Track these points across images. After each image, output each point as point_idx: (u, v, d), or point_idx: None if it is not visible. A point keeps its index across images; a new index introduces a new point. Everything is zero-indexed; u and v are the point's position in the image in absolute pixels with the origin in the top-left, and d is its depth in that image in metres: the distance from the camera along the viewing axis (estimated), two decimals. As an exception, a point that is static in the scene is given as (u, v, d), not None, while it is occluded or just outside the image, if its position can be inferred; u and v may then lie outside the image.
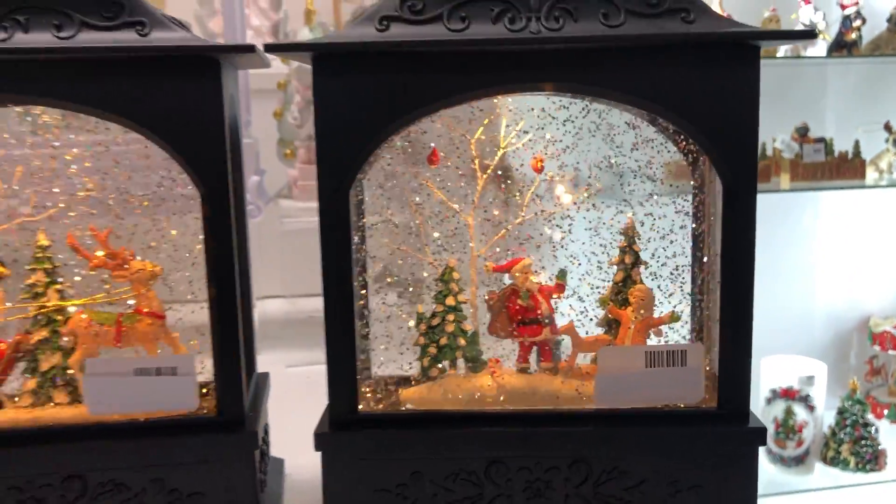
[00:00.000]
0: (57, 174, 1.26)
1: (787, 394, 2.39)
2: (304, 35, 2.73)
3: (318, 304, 1.17)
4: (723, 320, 1.18)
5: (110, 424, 1.20)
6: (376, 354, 1.31)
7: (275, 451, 1.48)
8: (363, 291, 1.26)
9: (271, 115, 2.82)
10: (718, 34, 1.09)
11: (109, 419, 1.20)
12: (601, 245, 1.29)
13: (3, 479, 1.16)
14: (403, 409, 1.24)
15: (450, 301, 1.27)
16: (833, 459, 2.37)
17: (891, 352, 2.59)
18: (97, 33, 1.10)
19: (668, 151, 1.26)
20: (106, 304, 1.26)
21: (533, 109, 1.25)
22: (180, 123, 1.13)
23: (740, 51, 1.10)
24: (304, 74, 2.77)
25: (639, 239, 1.29)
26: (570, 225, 1.28)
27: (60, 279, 1.26)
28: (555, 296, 1.28)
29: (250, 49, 1.13)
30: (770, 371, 2.42)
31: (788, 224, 2.68)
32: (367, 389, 1.27)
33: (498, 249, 1.29)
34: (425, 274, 1.30)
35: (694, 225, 1.28)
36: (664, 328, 1.26)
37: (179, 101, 1.13)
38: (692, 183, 1.28)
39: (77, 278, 1.26)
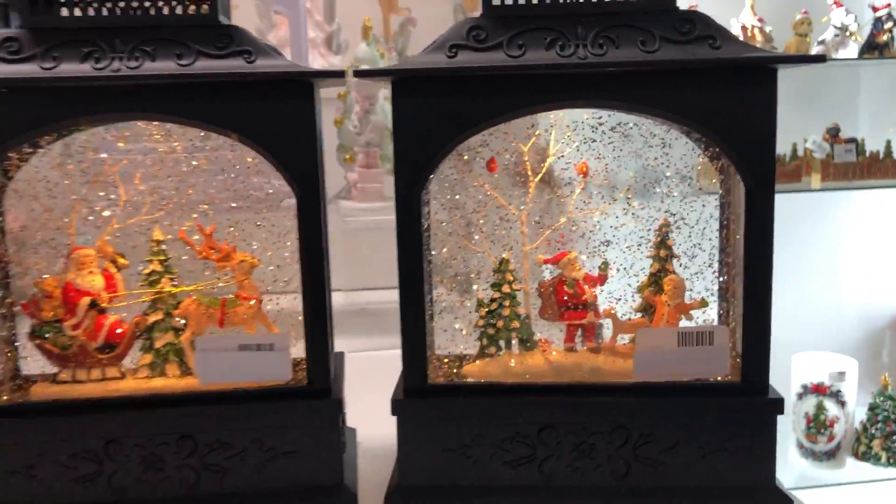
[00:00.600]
0: (172, 179, 1.41)
1: (819, 389, 2.40)
2: (363, 49, 2.84)
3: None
4: (745, 306, 1.29)
5: (217, 393, 1.33)
6: (438, 335, 1.44)
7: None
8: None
9: (332, 123, 2.88)
10: (741, 59, 1.21)
11: (216, 388, 1.33)
12: (640, 239, 1.41)
13: (127, 438, 1.31)
14: (465, 381, 1.37)
15: (506, 289, 1.40)
16: (864, 454, 2.39)
17: (924, 350, 2.54)
18: (211, 61, 1.24)
19: (699, 157, 1.37)
20: (211, 290, 1.40)
21: (576, 121, 1.37)
22: (280, 136, 1.26)
23: (759, 72, 1.23)
24: (363, 86, 2.83)
25: (672, 234, 1.40)
26: (613, 225, 1.40)
27: (172, 269, 1.41)
28: (598, 286, 1.40)
29: (341, 74, 1.28)
30: (802, 367, 2.44)
31: (821, 223, 2.68)
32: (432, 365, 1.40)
33: (548, 243, 1.41)
34: (480, 267, 1.42)
35: (721, 222, 1.40)
36: (694, 312, 1.38)
37: (280, 117, 1.26)
38: (719, 185, 1.39)
39: (188, 269, 1.41)
